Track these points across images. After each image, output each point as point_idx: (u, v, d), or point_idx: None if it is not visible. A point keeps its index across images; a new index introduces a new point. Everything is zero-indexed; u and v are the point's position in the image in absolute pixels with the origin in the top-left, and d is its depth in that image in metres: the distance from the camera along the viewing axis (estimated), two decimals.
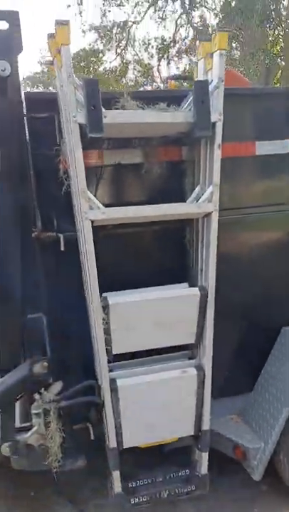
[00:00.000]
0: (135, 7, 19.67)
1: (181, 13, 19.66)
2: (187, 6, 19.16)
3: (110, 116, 1.94)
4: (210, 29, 19.48)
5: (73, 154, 1.96)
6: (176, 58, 19.86)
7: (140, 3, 19.84)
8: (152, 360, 2.34)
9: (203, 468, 2.36)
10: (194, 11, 18.40)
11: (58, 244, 2.20)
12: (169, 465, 2.47)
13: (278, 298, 2.67)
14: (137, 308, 2.14)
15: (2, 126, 2.02)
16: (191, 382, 2.26)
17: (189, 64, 20.49)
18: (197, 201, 2.20)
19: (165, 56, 19.63)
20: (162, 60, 19.31)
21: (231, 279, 2.42)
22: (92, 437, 2.33)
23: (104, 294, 2.10)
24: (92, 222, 2.00)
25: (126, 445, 2.23)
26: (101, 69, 23.28)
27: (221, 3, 16.18)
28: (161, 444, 2.42)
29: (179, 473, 2.42)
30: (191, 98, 2.09)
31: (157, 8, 19.72)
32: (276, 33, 10.98)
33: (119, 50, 20.98)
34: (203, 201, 2.13)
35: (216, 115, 2.04)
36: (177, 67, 20.08)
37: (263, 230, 2.59)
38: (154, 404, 2.23)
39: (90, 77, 2.28)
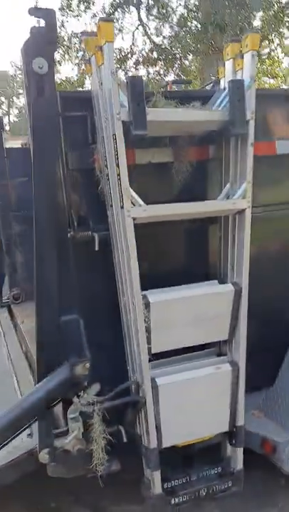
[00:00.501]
0: (92, 18, 19.80)
1: (138, 25, 19.96)
2: (143, 18, 19.47)
3: (152, 114, 1.95)
4: (166, 41, 19.92)
5: (115, 152, 1.95)
6: (133, 69, 20.10)
7: (97, 14, 19.99)
8: (183, 359, 2.35)
9: (239, 464, 2.37)
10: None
11: (92, 244, 2.18)
12: (200, 463, 2.47)
13: None
14: (176, 305, 2.15)
15: (39, 126, 1.98)
16: (226, 378, 2.28)
17: (147, 75, 20.85)
18: (228, 198, 2.25)
19: (122, 67, 19.79)
20: (120, 70, 19.47)
21: (253, 275, 2.47)
22: (125, 440, 2.29)
23: (143, 292, 2.09)
24: (134, 219, 2.00)
25: (165, 444, 2.21)
26: (57, 79, 23.17)
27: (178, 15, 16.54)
28: (190, 443, 2.42)
29: (212, 471, 2.43)
30: (223, 97, 2.14)
31: (114, 20, 19.93)
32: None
33: (77, 61, 21.00)
34: (237, 198, 2.17)
35: (249, 113, 2.10)
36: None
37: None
38: (191, 402, 2.24)
39: (134, 75, 2.26)
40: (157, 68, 19.70)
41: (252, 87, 2.10)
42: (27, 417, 2.10)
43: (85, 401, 2.14)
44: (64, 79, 21.80)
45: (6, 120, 32.61)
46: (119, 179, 1.97)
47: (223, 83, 2.27)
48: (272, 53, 15.97)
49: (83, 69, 21.29)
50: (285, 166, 2.59)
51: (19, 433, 2.13)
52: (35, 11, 1.99)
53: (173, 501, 2.25)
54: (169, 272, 2.39)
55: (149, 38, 20.55)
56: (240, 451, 2.37)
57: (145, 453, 2.23)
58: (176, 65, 18.52)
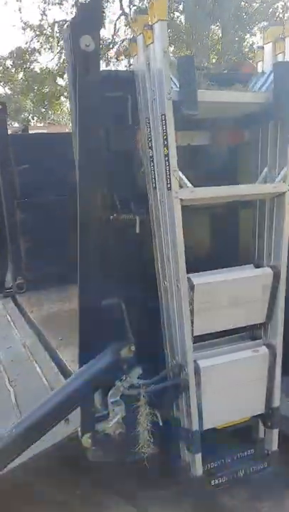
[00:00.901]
0: (73, 6, 19.54)
1: (120, 15, 19.80)
2: (125, 8, 19.31)
3: (201, 95, 1.94)
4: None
5: (164, 133, 1.94)
6: (114, 60, 19.97)
7: (78, 2, 19.76)
8: (221, 342, 2.36)
9: (274, 445, 2.41)
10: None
11: (134, 226, 2.16)
12: (231, 445, 2.50)
13: None
14: (219, 288, 2.16)
15: (86, 104, 1.95)
16: (264, 360, 2.31)
17: (129, 65, 20.72)
18: (265, 182, 2.26)
19: (104, 57, 19.62)
20: (101, 60, 19.26)
21: None
22: (161, 423, 2.30)
23: (187, 275, 2.09)
24: (182, 201, 1.99)
25: (206, 427, 2.23)
26: (37, 69, 22.83)
27: None
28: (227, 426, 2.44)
29: (246, 453, 2.45)
30: (264, 80, 2.14)
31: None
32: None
33: (57, 50, 20.71)
34: (279, 181, 2.18)
35: None
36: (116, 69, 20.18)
37: None
38: (231, 384, 2.26)
39: (185, 55, 2.26)
40: None
41: None
42: (72, 401, 2.09)
43: (127, 384, 2.13)
44: (44, 68, 21.53)
45: None
46: (168, 160, 1.96)
47: (262, 67, 2.27)
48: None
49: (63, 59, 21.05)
50: None
51: (64, 417, 2.12)
52: None
53: (213, 482, 2.27)
54: (204, 256, 2.40)
55: (130, 27, 20.41)
56: (275, 432, 2.41)
57: (186, 436, 2.23)
58: None
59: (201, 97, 1.95)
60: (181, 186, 1.99)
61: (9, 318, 4.11)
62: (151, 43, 1.93)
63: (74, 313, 3.87)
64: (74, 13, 19.42)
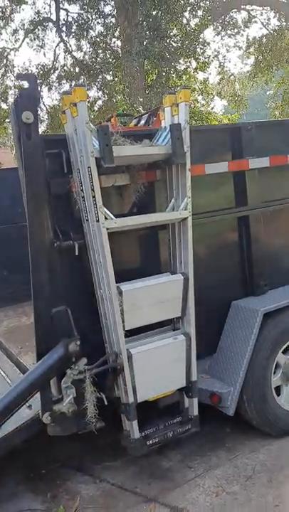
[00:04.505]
0: (13, 35, 20.08)
1: (59, 42, 20.52)
2: (63, 35, 20.05)
3: (117, 151, 2.65)
4: (86, 56, 20.63)
5: (90, 180, 2.62)
6: (56, 84, 20.62)
7: (17, 31, 20.29)
8: (148, 335, 3.04)
9: (195, 411, 3.11)
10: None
11: (74, 250, 2.82)
12: (164, 416, 3.17)
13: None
14: (142, 292, 2.85)
15: (30, 163, 2.60)
16: (182, 345, 3.01)
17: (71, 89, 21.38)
18: (173, 210, 2.99)
19: (45, 82, 20.22)
20: (43, 85, 19.85)
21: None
22: (106, 403, 2.93)
23: (116, 284, 2.76)
24: (108, 229, 2.67)
25: (140, 399, 2.89)
26: None
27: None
28: (157, 401, 3.11)
29: (174, 420, 3.13)
30: (166, 135, 2.89)
31: (34, 37, 20.38)
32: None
33: None
34: (182, 209, 2.92)
35: (186, 147, 2.86)
36: (59, 93, 20.84)
37: None
38: (157, 365, 2.93)
39: (102, 124, 2.88)
40: (80, 81, 20.34)
41: (186, 128, 2.86)
42: (32, 388, 2.70)
43: (76, 371, 2.77)
44: None
45: None
46: (95, 200, 2.64)
47: (164, 124, 3.01)
48: (188, 69, 17.21)
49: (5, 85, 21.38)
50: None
51: (25, 402, 2.72)
52: (21, 76, 2.63)
53: (148, 443, 2.93)
54: (131, 268, 3.08)
55: (70, 53, 21.15)
56: (195, 401, 3.10)
57: (124, 409, 2.89)
58: (98, 80, 19.23)
59: (116, 153, 2.66)
60: (106, 218, 2.67)
61: None
62: (77, 115, 2.61)
63: (31, 325, 4.49)
64: (12, 41, 19.95)
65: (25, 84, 2.59)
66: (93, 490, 3.17)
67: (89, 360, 2.80)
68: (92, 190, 2.63)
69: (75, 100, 2.59)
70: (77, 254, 2.83)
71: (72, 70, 21.37)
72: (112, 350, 2.86)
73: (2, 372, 3.58)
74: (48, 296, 2.74)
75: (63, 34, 19.12)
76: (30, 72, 18.51)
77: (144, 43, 10.65)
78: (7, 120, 23.19)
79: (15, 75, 17.08)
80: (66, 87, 21.40)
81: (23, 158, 2.60)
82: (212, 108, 21.99)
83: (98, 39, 15.60)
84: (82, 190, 2.73)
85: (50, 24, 19.69)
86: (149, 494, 3.08)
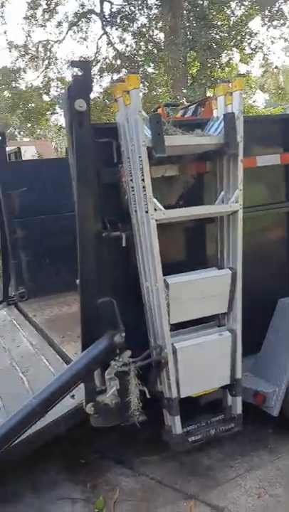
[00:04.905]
0: (57, 27, 20.27)
1: (102, 34, 20.57)
2: (106, 28, 20.08)
3: (169, 141, 2.59)
4: (128, 48, 20.62)
5: (141, 170, 2.57)
6: (98, 76, 20.69)
7: (61, 23, 20.47)
8: (193, 330, 2.98)
9: (238, 409, 3.03)
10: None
11: (121, 241, 2.79)
12: (205, 413, 3.11)
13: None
14: (188, 286, 2.79)
15: (81, 151, 2.58)
16: (227, 341, 2.93)
17: (111, 82, 21.46)
18: (222, 203, 2.91)
19: None
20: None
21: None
22: (148, 396, 2.90)
23: (163, 277, 2.71)
24: (156, 221, 2.62)
25: (183, 395, 2.84)
26: (22, 86, 23.50)
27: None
28: (199, 398, 3.05)
29: (217, 418, 3.07)
30: (218, 125, 2.80)
31: (78, 29, 20.51)
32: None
33: (42, 68, 21.41)
34: (232, 202, 2.83)
35: (239, 137, 2.77)
36: (100, 85, 20.95)
37: None
38: (202, 361, 2.87)
39: (155, 113, 2.86)
40: (121, 74, 20.36)
41: (240, 118, 2.77)
42: (76, 378, 2.69)
43: (120, 363, 2.74)
44: (30, 85, 22.17)
45: None
46: (145, 190, 2.59)
47: (216, 114, 2.93)
48: (231, 61, 16.89)
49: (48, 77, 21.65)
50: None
51: (70, 391, 2.72)
52: (75, 63, 2.59)
53: (190, 439, 2.89)
54: (177, 262, 3.02)
55: (112, 46, 21.19)
56: (239, 399, 3.03)
57: (167, 403, 2.85)
58: (140, 72, 19.18)
59: (168, 142, 2.60)
60: (155, 209, 2.62)
61: (15, 323, 4.71)
62: (129, 104, 2.57)
63: (72, 315, 4.54)
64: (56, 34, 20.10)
65: (79, 71, 2.57)
66: (133, 483, 3.15)
67: (132, 352, 2.78)
68: (143, 180, 2.58)
69: (128, 88, 2.55)
70: (124, 245, 2.80)
71: (113, 62, 21.41)
72: (156, 343, 2.82)
73: (45, 361, 3.61)
74: (95, 287, 2.72)
75: (106, 26, 19.12)
76: (83, 59, 18.64)
77: (190, 33, 10.49)
78: (48, 112, 23.50)
79: (69, 62, 17.24)
80: (107, 79, 21.47)
81: (74, 147, 2.58)
82: (254, 102, 21.57)
83: (144, 29, 15.48)
84: (131, 180, 2.68)
85: (94, 16, 19.75)
86: (189, 491, 3.04)
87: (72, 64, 2.56)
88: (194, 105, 4.43)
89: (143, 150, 2.54)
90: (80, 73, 2.55)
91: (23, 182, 5.24)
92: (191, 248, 3.13)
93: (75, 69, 2.57)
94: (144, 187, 2.59)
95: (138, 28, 17.64)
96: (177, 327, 2.88)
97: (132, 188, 2.70)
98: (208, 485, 3.07)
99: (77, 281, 2.76)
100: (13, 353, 3.92)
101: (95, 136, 2.69)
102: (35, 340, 4.11)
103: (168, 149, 2.60)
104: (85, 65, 2.58)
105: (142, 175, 2.58)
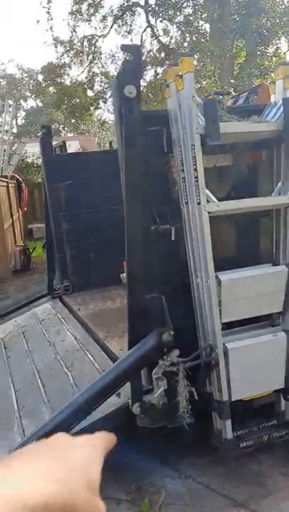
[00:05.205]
0: (102, 21, 20.32)
1: (146, 27, 20.45)
2: (151, 20, 19.93)
3: (223, 128, 2.43)
4: (173, 40, 20.37)
5: (193, 159, 2.43)
6: (141, 71, 20.59)
7: (106, 17, 20.50)
8: (246, 329, 2.82)
9: None
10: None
11: (170, 235, 2.65)
12: (258, 417, 2.94)
13: None
14: (241, 283, 2.62)
15: (131, 140, 2.46)
16: (282, 343, 2.75)
17: (155, 75, 21.33)
18: (279, 194, 2.72)
19: None
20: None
21: None
22: (196, 397, 2.76)
23: (215, 273, 2.56)
24: (209, 213, 2.47)
25: (234, 398, 2.68)
26: (68, 82, 23.76)
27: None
28: (251, 401, 2.89)
29: (269, 423, 2.90)
30: (276, 111, 2.61)
31: (123, 23, 20.47)
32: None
33: (87, 63, 21.55)
34: None
35: None
36: (143, 79, 20.86)
37: None
38: (254, 363, 2.71)
39: (208, 98, 2.73)
40: (165, 67, 20.20)
41: None
42: (123, 377, 2.59)
43: (168, 363, 2.62)
44: (74, 81, 22.35)
45: (13, 123, 33.09)
46: (197, 181, 2.45)
47: (274, 99, 2.73)
48: (279, 50, 16.37)
49: (92, 72, 21.74)
50: None
51: (116, 390, 2.62)
52: (125, 47, 2.47)
53: (241, 445, 2.73)
54: (228, 257, 2.86)
55: (156, 38, 21.02)
56: None
57: (217, 406, 2.70)
58: None
59: (223, 130, 2.44)
60: (208, 201, 2.47)
61: (60, 316, 4.67)
62: (182, 89, 2.42)
63: (116, 310, 4.45)
64: (101, 28, 20.15)
65: (130, 56, 2.45)
66: (179, 486, 3.03)
67: (179, 351, 2.65)
68: (195, 170, 2.44)
69: (181, 71, 2.40)
70: (173, 239, 2.67)
71: (157, 55, 21.25)
72: (206, 343, 2.67)
73: (90, 356, 3.53)
74: (142, 282, 2.60)
75: (153, 17, 18.95)
76: (133, 43, 18.62)
77: (240, 19, 10.16)
78: (91, 107, 23.62)
79: (119, 46, 17.47)
80: (151, 73, 21.33)
81: (123, 135, 2.47)
82: None
83: (190, 18, 15.18)
84: (183, 170, 2.54)
85: (139, 9, 19.64)
86: (238, 498, 2.88)
87: (123, 48, 2.44)
88: (246, 93, 4.23)
89: (196, 137, 2.39)
90: (130, 58, 2.43)
91: (69, 175, 5.20)
92: (243, 243, 2.96)
93: (126, 54, 2.45)
94: (196, 177, 2.45)
95: (184, 17, 17.38)
96: (226, 326, 2.72)
97: (183, 178, 2.56)
98: (259, 493, 2.91)
99: (123, 275, 2.65)
100: (58, 348, 3.88)
101: (144, 124, 2.57)
102: (79, 335, 4.05)
103: (222, 137, 2.43)
104: (135, 49, 2.46)
105: (195, 164, 2.43)
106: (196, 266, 2.64)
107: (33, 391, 3.24)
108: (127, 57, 2.43)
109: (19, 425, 2.85)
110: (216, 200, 2.49)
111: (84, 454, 0.51)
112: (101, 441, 0.56)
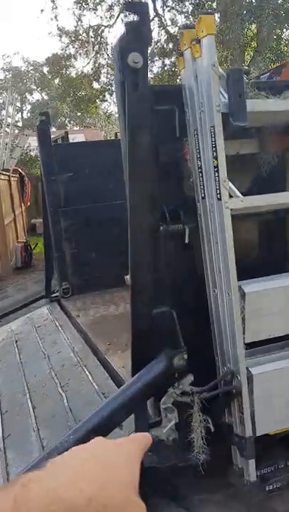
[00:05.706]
0: (108, 11, 19.79)
1: (154, 17, 19.88)
2: (159, 9, 19.39)
3: (251, 105, 1.96)
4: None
5: (212, 144, 1.96)
6: (149, 61, 20.05)
7: (112, 6, 19.97)
8: (274, 348, 2.36)
9: None
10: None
11: (183, 236, 2.20)
12: (284, 450, 2.49)
13: None
14: (271, 295, 2.16)
15: (135, 121, 1.99)
16: None
17: (163, 66, 20.79)
18: None
19: None
20: None
21: None
22: (212, 429, 2.32)
23: (238, 283, 2.10)
24: (232, 210, 2.01)
25: (259, 433, 2.23)
26: (73, 74, 23.28)
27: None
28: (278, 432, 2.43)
29: None
30: None
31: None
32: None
33: (92, 54, 21.04)
34: None
35: None
36: (150, 70, 20.33)
37: None
38: (283, 391, 2.25)
39: (235, 68, 2.29)
40: (173, 59, 19.66)
41: None
42: (127, 408, 2.14)
43: (179, 391, 2.17)
44: (80, 73, 21.89)
45: (19, 116, 32.74)
46: (217, 171, 1.98)
47: None
48: None
49: (98, 63, 21.24)
50: None
51: (118, 424, 2.18)
52: (130, 6, 2.00)
53: (267, 488, 2.28)
54: (252, 263, 2.41)
55: (164, 28, 20.46)
56: None
57: (238, 441, 2.25)
58: None
59: (250, 107, 1.97)
60: (230, 196, 2.01)
61: (57, 323, 4.24)
62: (199, 56, 1.95)
63: (119, 316, 3.99)
64: (107, 18, 19.62)
65: (134, 16, 1.98)
66: None
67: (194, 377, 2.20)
68: (215, 158, 1.98)
69: (199, 35, 1.93)
70: (187, 241, 2.21)
71: (165, 46, 20.71)
72: (226, 368, 2.21)
73: (88, 373, 3.10)
74: (149, 294, 2.15)
75: (158, 8, 18.43)
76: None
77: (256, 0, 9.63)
78: (97, 100, 23.13)
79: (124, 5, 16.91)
80: (159, 64, 20.80)
81: (126, 116, 2.00)
82: None
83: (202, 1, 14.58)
84: (199, 158, 2.08)
85: None
86: None
87: (127, 7, 1.97)
88: (268, 74, 3.78)
89: (217, 116, 1.93)
90: (135, 19, 1.96)
91: (69, 167, 4.75)
92: (271, 246, 2.49)
93: (130, 14, 1.98)
94: (216, 166, 1.98)
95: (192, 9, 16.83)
96: (248, 346, 2.26)
97: (200, 168, 2.09)
98: None
99: (127, 277, 2.20)
100: (53, 361, 3.44)
101: (153, 102, 2.10)
102: (77, 347, 3.61)
103: (250, 116, 1.96)
104: (142, 8, 1.98)
105: (215, 151, 1.97)
106: (214, 275, 2.18)
107: (22, 414, 2.80)
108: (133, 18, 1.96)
109: (2, 459, 2.41)
110: (240, 194, 2.02)
111: (122, 455, 0.54)
112: (138, 443, 0.58)
